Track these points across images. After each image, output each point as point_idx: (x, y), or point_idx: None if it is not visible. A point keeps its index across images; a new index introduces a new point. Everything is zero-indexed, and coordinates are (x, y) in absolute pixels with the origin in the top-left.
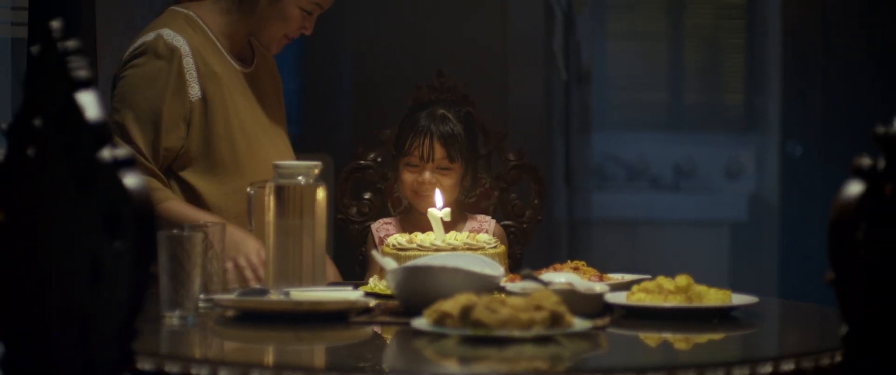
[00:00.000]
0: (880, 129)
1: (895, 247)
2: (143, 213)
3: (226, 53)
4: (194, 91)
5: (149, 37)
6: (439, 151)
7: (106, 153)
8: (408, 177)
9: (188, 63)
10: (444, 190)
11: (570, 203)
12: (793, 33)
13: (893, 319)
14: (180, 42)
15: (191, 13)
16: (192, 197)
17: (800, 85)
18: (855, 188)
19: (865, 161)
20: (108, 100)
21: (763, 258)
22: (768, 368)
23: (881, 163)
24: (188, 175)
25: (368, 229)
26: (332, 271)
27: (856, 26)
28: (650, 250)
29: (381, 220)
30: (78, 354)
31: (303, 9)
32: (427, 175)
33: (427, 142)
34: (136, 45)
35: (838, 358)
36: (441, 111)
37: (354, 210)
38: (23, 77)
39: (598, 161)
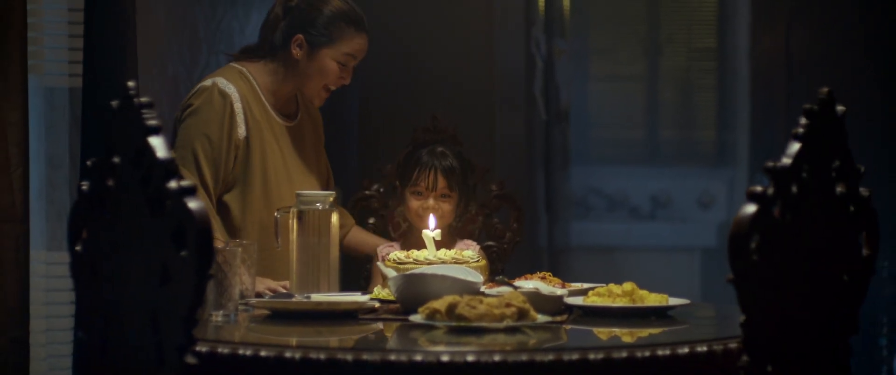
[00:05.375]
0: (770, 164)
1: (781, 254)
2: (203, 230)
3: (269, 107)
4: (241, 131)
5: (206, 83)
6: (441, 182)
7: (173, 184)
8: (414, 203)
9: (238, 107)
10: (444, 215)
11: (550, 231)
12: (760, 75)
13: (779, 309)
14: (231, 90)
15: (244, 70)
16: (225, 216)
17: (767, 122)
18: (750, 208)
19: (758, 188)
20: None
21: None
22: (685, 349)
23: (770, 190)
24: (227, 197)
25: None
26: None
27: (817, 69)
28: (627, 274)
29: (384, 244)
30: (151, 339)
31: (338, 61)
32: (431, 201)
33: (432, 174)
34: (195, 90)
35: None
36: (440, 148)
37: None
38: (80, 121)
39: (581, 192)
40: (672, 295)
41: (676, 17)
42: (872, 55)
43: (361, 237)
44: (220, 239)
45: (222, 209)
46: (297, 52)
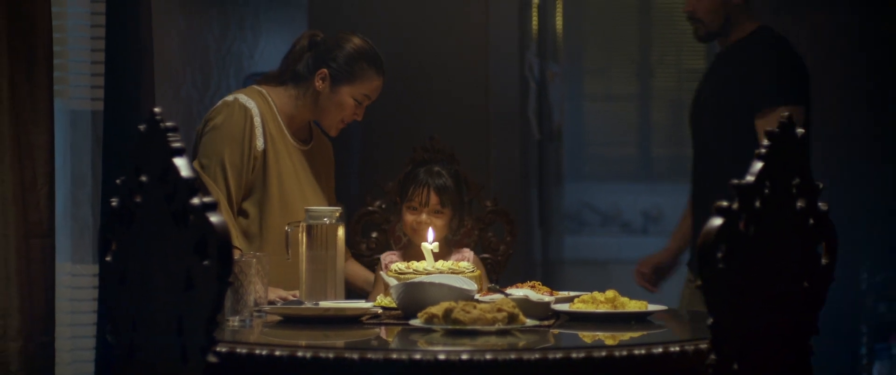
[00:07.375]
0: (734, 181)
1: (745, 263)
2: (224, 241)
3: (284, 127)
4: (260, 143)
5: (229, 98)
6: (433, 198)
7: (196, 200)
8: (409, 217)
9: (257, 122)
10: (437, 229)
11: (544, 245)
12: None
13: (744, 313)
14: (252, 105)
15: (264, 91)
16: (244, 220)
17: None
18: (716, 221)
19: (724, 203)
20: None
21: None
22: (660, 349)
23: (735, 204)
24: (245, 204)
25: (378, 259)
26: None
27: None
28: (619, 286)
29: (387, 252)
30: (176, 341)
31: (354, 98)
32: (424, 216)
33: (425, 191)
34: (218, 104)
35: None
36: (436, 168)
37: (364, 246)
38: (102, 142)
39: (576, 208)
40: (661, 305)
41: (667, 39)
42: (859, 75)
43: (354, 269)
44: (238, 248)
45: (241, 214)
46: (319, 84)
